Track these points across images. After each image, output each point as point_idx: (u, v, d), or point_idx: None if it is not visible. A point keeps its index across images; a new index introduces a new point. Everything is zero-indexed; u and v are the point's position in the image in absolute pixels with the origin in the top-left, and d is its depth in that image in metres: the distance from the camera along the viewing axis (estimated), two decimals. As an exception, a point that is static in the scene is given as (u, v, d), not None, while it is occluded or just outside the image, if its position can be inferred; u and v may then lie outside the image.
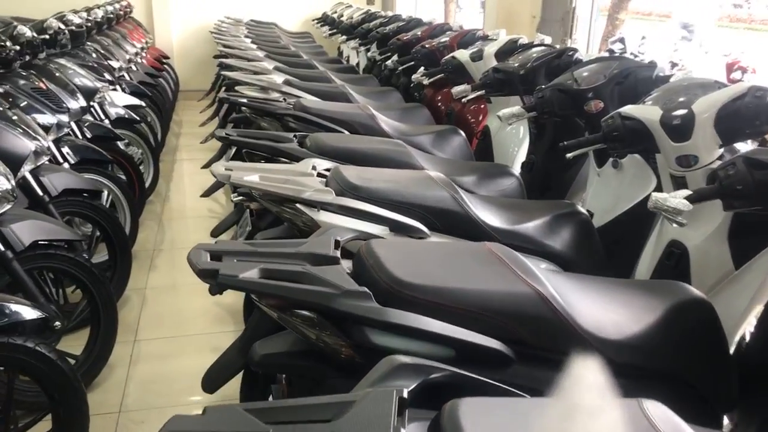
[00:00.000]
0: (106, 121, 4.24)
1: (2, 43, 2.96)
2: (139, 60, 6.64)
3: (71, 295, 2.83)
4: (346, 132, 2.69)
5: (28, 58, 3.57)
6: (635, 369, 1.24)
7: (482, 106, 3.82)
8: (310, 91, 3.28)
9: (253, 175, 1.69)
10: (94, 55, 4.82)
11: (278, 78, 3.38)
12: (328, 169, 1.91)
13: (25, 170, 2.66)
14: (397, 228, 1.66)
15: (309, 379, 1.28)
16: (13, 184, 2.25)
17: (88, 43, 5.05)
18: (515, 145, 3.46)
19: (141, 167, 4.63)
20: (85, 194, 3.04)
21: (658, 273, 2.07)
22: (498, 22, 5.03)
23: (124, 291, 3.19)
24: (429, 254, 1.30)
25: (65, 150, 3.29)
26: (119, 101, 4.74)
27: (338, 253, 1.25)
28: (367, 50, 5.44)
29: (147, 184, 4.60)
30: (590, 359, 0.83)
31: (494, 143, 3.56)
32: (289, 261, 1.20)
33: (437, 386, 0.96)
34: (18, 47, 3.09)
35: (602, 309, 1.30)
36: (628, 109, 2.04)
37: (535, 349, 1.18)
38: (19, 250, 2.24)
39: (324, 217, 1.65)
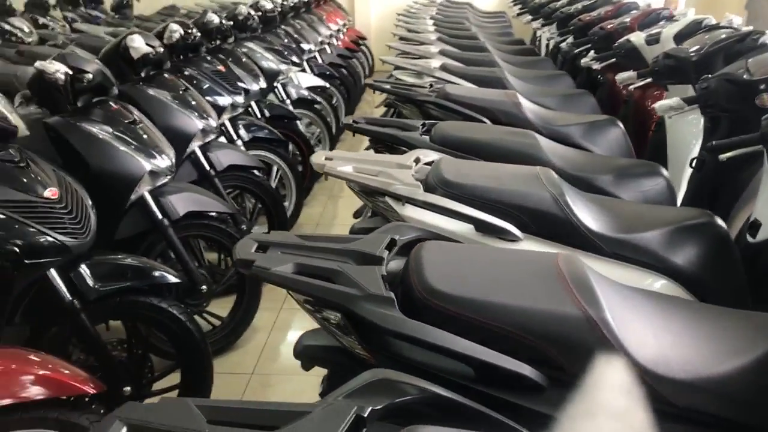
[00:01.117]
0: (288, 102, 4.55)
1: (188, 30, 3.29)
2: (334, 41, 6.99)
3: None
4: (487, 120, 2.60)
5: (219, 42, 3.95)
6: (705, 416, 1.07)
7: (664, 94, 3.47)
8: (465, 76, 3.21)
9: (348, 165, 1.71)
10: (285, 39, 5.16)
11: (436, 62, 3.35)
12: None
13: (194, 146, 2.95)
14: (483, 228, 1.58)
15: (343, 376, 1.27)
16: (173, 161, 2.51)
17: (282, 26, 5.43)
18: (693, 138, 3.10)
19: (320, 147, 4.92)
20: (253, 170, 3.29)
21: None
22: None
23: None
24: (483, 263, 1.22)
25: (240, 129, 3.59)
26: (305, 82, 5.05)
27: (386, 254, 1.22)
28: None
29: (322, 162, 4.86)
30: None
31: (669, 136, 3.22)
32: (332, 257, 1.20)
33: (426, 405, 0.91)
34: (200, 34, 3.40)
35: (676, 342, 1.13)
36: (795, 107, 1.72)
37: (576, 377, 1.06)
38: (174, 219, 2.50)
39: (409, 211, 1.62)
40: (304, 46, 5.55)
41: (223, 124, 3.46)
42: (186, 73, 3.34)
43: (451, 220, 1.60)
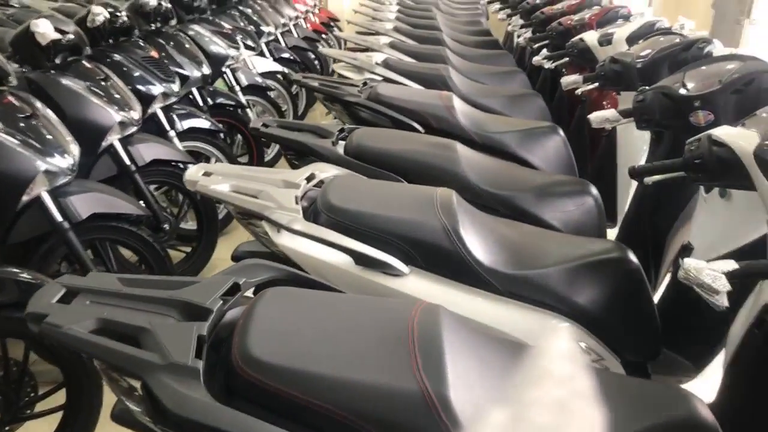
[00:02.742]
0: (237, 89, 4.35)
1: (117, 13, 3.08)
2: (301, 23, 6.76)
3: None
4: (417, 125, 2.43)
5: (159, 25, 3.73)
6: None
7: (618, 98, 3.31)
8: (407, 73, 3.03)
9: (225, 183, 1.54)
10: (240, 21, 4.94)
11: (379, 57, 3.17)
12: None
13: (112, 140, 2.76)
14: (363, 261, 1.42)
15: None
16: (75, 159, 2.32)
17: (240, 7, 5.20)
18: (641, 147, 2.95)
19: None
20: (180, 164, 3.09)
21: (747, 346, 1.62)
22: (668, -3, 4.33)
23: (210, 260, 3.24)
24: (326, 319, 1.06)
25: (175, 119, 3.40)
26: (260, 67, 4.84)
27: (219, 304, 1.06)
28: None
29: (272, 154, 4.66)
30: None
31: (618, 144, 3.07)
32: (152, 308, 1.04)
33: None
34: (127, 18, 3.19)
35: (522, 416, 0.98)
36: (720, 132, 1.57)
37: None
38: (75, 222, 2.32)
39: (285, 239, 1.46)
40: (264, 28, 5.33)
41: (154, 114, 3.27)
42: (115, 59, 3.14)
43: (331, 250, 1.44)
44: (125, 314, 1.01)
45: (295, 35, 6.30)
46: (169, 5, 3.62)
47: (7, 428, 1.95)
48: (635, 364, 1.58)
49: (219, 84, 4.37)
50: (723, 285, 1.16)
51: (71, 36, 2.61)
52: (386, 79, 2.93)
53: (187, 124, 3.42)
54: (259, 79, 4.59)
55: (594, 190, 2.06)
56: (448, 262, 1.44)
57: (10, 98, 2.24)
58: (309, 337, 1.01)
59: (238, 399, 0.96)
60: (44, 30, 2.45)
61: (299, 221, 1.45)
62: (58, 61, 2.71)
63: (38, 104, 2.36)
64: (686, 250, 2.09)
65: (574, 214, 1.99)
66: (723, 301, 1.17)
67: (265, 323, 1.01)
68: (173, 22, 3.88)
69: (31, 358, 2.02)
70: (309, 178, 1.66)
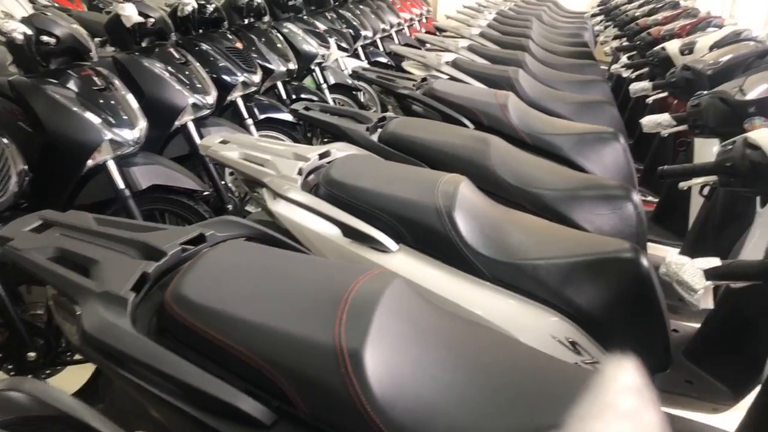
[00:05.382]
0: (324, 86, 4.48)
1: (205, 5, 3.28)
2: (405, 31, 6.87)
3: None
4: (467, 121, 2.41)
5: (252, 20, 3.93)
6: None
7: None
8: (473, 74, 3.00)
9: (236, 151, 1.60)
10: (336, 23, 5.09)
11: (449, 57, 3.16)
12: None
13: (185, 120, 2.93)
14: (350, 234, 1.43)
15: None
16: (141, 133, 2.48)
17: (341, 10, 5.37)
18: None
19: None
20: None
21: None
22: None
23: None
24: (273, 272, 1.07)
25: (254, 108, 3.55)
26: (352, 68, 4.96)
27: (176, 249, 1.11)
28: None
29: (355, 150, 4.76)
30: None
31: (695, 158, 2.88)
32: (114, 246, 1.10)
33: None
34: (211, 9, 3.38)
35: (441, 401, 0.94)
36: (756, 136, 1.45)
37: (310, 417, 0.91)
38: (136, 190, 2.48)
39: (280, 207, 1.49)
40: (362, 32, 5.46)
41: (234, 102, 3.43)
42: (202, 47, 3.33)
43: (322, 221, 1.46)
44: (85, 247, 1.08)
45: (396, 41, 6.40)
46: (263, 2, 3.79)
47: (48, 371, 2.11)
48: (639, 375, 1.47)
49: (308, 81, 4.52)
50: (699, 282, 1.06)
51: (154, 20, 2.80)
52: (451, 78, 2.91)
53: (265, 114, 3.57)
54: (348, 80, 4.70)
55: (635, 197, 1.94)
56: (437, 243, 1.41)
57: (89, 72, 2.43)
58: (245, 286, 1.03)
59: (168, 337, 1.00)
60: (129, 13, 2.64)
61: (294, 190, 1.48)
62: (144, 44, 2.92)
63: (115, 81, 2.54)
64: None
65: (609, 219, 1.89)
66: (700, 301, 1.07)
67: (207, 269, 1.05)
68: (265, 18, 4.07)
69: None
70: (323, 155, 1.69)
